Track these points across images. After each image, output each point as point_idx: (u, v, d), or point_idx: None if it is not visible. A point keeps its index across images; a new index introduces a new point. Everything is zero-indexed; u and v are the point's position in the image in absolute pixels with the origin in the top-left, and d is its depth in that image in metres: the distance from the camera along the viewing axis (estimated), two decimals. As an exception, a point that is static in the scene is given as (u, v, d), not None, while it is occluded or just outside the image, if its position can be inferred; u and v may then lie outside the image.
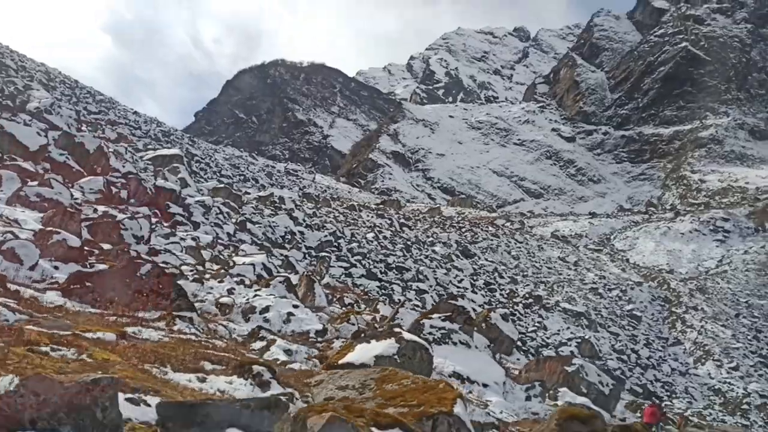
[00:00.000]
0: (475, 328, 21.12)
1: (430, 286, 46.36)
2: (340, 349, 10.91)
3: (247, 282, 19.49)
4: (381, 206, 75.48)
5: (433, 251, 56.36)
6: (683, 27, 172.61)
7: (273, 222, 38.91)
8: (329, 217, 51.67)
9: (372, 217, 59.85)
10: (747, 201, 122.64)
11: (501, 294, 53.28)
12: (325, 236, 43.87)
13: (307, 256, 39.20)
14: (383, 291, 41.13)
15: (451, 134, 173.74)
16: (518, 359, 30.10)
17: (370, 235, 50.16)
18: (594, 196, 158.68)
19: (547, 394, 18.51)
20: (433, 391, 6.35)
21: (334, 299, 25.00)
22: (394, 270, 45.36)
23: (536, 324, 50.07)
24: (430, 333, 16.92)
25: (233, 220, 34.01)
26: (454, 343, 17.07)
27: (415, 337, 11.39)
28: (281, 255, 32.15)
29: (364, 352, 9.69)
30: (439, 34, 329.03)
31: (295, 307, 17.31)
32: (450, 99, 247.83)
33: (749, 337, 59.55)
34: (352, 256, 43.41)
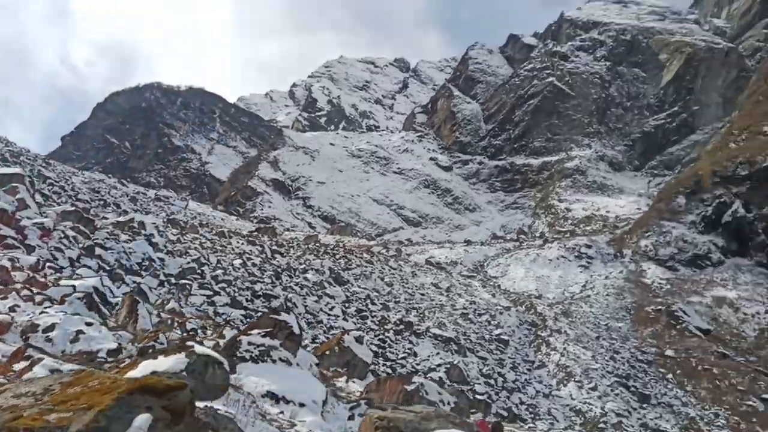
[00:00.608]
0: (311, 350, 20.69)
1: (299, 314, 45.62)
2: (122, 368, 9.67)
3: (38, 299, 17.71)
4: (254, 233, 73.97)
5: (305, 278, 55.72)
6: (550, 62, 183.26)
7: (129, 248, 36.96)
8: (194, 243, 49.92)
9: (243, 244, 58.51)
10: (608, 228, 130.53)
11: (372, 321, 53.34)
12: (188, 263, 42.25)
13: (165, 284, 37.54)
14: (249, 320, 40.01)
15: (332, 162, 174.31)
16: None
17: (237, 262, 48.83)
18: (470, 225, 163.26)
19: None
20: (111, 392, 5.79)
21: (175, 325, 23.57)
22: (261, 298, 44.31)
23: (407, 350, 50.39)
24: (247, 350, 15.89)
25: (80, 245, 31.92)
26: (274, 361, 16.14)
27: (209, 351, 10.27)
28: (133, 282, 30.53)
29: (146, 369, 8.60)
30: (322, 62, 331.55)
31: (89, 324, 15.54)
32: (332, 127, 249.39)
33: (606, 358, 62.83)
34: (216, 284, 42.03)
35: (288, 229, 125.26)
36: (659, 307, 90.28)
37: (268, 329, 17.29)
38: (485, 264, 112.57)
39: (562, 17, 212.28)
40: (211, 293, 40.67)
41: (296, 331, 18.05)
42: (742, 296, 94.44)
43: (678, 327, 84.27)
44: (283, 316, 18.09)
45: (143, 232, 43.82)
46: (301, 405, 14.19)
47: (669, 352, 75.87)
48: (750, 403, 62.82)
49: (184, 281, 39.30)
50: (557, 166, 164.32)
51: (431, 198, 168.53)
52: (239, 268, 47.49)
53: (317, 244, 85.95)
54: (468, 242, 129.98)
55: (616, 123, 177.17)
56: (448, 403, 22.02)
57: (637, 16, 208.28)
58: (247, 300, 42.98)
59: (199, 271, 43.27)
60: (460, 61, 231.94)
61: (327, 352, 25.54)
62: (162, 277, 38.10)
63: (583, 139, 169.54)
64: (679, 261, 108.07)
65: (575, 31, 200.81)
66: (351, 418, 16.27)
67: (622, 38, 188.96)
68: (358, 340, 28.32)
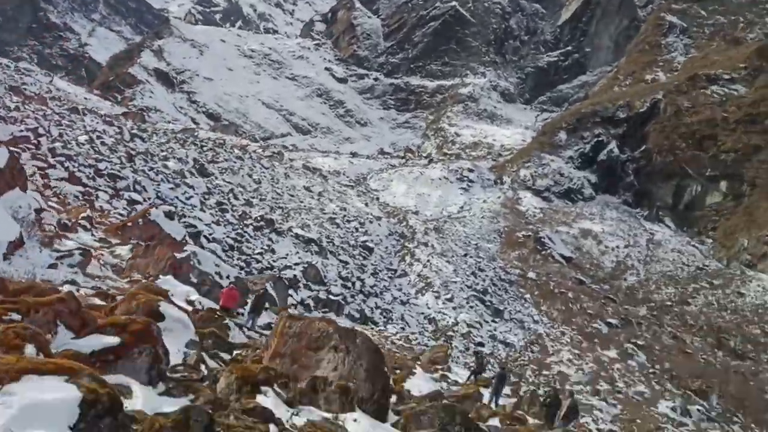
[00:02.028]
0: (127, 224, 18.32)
1: (148, 198, 42.42)
2: None
3: None
4: (116, 115, 68.37)
5: (165, 165, 52.05)
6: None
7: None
8: (38, 114, 44.96)
9: (98, 123, 53.66)
10: (492, 156, 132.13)
11: (233, 215, 50.85)
12: (21, 131, 37.79)
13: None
14: (86, 197, 36.51)
15: (222, 59, 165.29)
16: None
17: (82, 138, 44.46)
18: (360, 139, 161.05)
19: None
20: None
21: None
22: (105, 177, 40.65)
23: (264, 247, 48.49)
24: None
25: None
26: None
27: None
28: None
29: None
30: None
31: None
32: (228, 25, 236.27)
33: (468, 273, 63.76)
34: (53, 157, 37.97)
35: (169, 122, 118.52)
36: (529, 233, 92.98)
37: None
38: (368, 177, 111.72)
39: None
40: (46, 165, 36.69)
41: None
42: (606, 230, 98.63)
43: (543, 253, 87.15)
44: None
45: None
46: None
47: (531, 275, 78.42)
48: (596, 325, 66.08)
49: (12, 149, 34.99)
50: (451, 90, 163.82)
51: (323, 108, 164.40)
52: (84, 144, 43.23)
53: (193, 138, 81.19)
54: (354, 154, 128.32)
55: (512, 55, 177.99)
56: (227, 277, 20.32)
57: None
58: (88, 177, 39.24)
59: (34, 141, 38.91)
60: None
61: (129, 224, 23.05)
62: (-19, 139, 33.72)
63: (479, 68, 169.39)
64: (553, 192, 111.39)
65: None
66: (54, 266, 14.88)
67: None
68: (169, 215, 25.91)
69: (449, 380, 23.41)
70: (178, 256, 19.21)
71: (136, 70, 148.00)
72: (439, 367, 26.23)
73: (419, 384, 16.49)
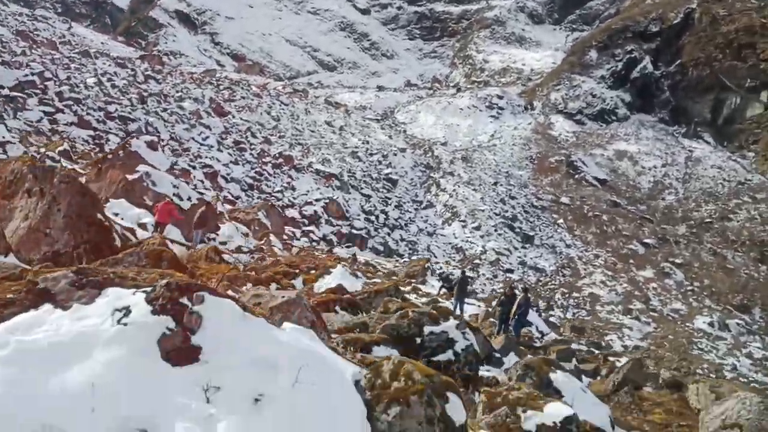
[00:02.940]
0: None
1: (162, 139, 41.81)
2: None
3: None
4: (132, 59, 67.37)
5: (180, 106, 51.25)
6: None
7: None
8: (45, 58, 44.22)
9: (109, 66, 52.82)
10: (521, 81, 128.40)
11: (251, 154, 50.10)
12: (26, 75, 37.13)
13: (-9, 94, 32.78)
14: (96, 141, 36.04)
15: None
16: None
17: (90, 80, 43.70)
18: (387, 72, 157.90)
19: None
20: None
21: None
22: (116, 120, 40.04)
23: (285, 184, 47.83)
24: None
25: None
26: None
27: None
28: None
29: None
30: None
31: None
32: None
33: (496, 201, 62.40)
34: (61, 101, 37.37)
35: (194, 66, 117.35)
36: (561, 158, 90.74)
37: None
38: (395, 110, 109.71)
39: None
40: (53, 110, 36.14)
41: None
42: (642, 150, 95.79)
43: (576, 177, 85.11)
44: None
45: (-29, 36, 37.98)
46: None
47: (564, 199, 76.72)
48: (631, 246, 64.50)
49: (15, 94, 34.51)
50: (477, 15, 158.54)
51: (347, 42, 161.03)
52: (93, 87, 42.50)
53: (215, 79, 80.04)
54: (380, 88, 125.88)
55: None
56: (189, 199, 19.42)
57: None
58: (98, 121, 38.67)
59: (41, 85, 38.29)
60: None
61: (110, 156, 22.28)
62: (-16, 86, 33.21)
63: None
64: (586, 115, 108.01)
65: None
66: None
67: None
68: (151, 145, 25.09)
69: (420, 292, 22.22)
70: (130, 177, 18.37)
71: (157, 13, 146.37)
72: (413, 280, 25.06)
73: (330, 283, 14.63)
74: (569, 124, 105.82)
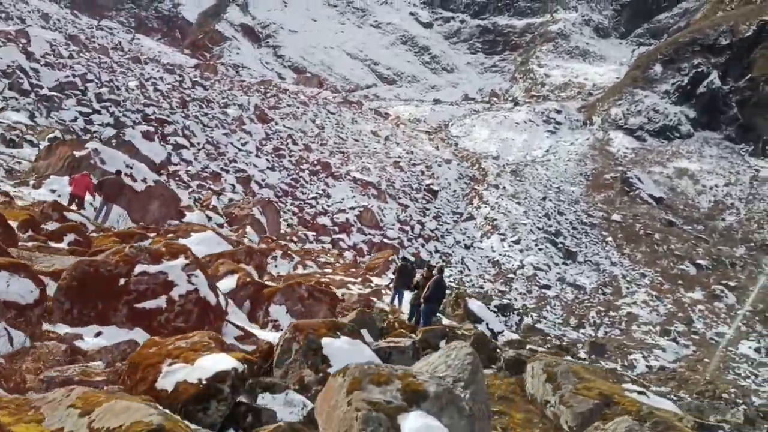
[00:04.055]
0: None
1: (198, 143, 42.65)
2: None
3: None
4: (189, 67, 69.10)
5: (225, 113, 52.22)
6: None
7: (-6, 54, 33.10)
8: (92, 63, 45.75)
9: (158, 71, 54.30)
10: (582, 96, 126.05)
11: (289, 161, 50.54)
12: (67, 77, 38.46)
13: (31, 94, 34.05)
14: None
15: (305, 10, 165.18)
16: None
17: (132, 84, 44.92)
18: (447, 86, 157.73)
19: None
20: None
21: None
22: (153, 122, 41.01)
23: (319, 191, 48.01)
24: None
25: None
26: None
27: None
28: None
29: None
30: None
31: None
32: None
33: (540, 215, 60.97)
34: (99, 102, 38.53)
35: (254, 78, 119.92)
36: (617, 174, 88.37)
37: None
38: (450, 123, 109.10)
39: None
40: (90, 111, 37.29)
41: None
42: (704, 169, 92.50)
43: (630, 194, 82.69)
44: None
45: (21, 41, 39.67)
46: None
47: (615, 217, 74.55)
48: (683, 267, 61.99)
49: (52, 94, 35.75)
50: (540, 28, 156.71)
51: (408, 56, 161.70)
52: (133, 90, 43.68)
53: (270, 88, 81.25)
54: (436, 101, 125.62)
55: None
56: (144, 180, 19.23)
57: None
58: (134, 122, 39.66)
59: (81, 87, 39.60)
60: None
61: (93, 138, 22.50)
62: (26, 87, 34.52)
63: (570, 1, 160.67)
64: (647, 131, 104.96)
65: None
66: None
67: None
68: (147, 135, 25.36)
69: (371, 284, 21.08)
70: (78, 154, 18.34)
71: (222, 26, 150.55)
72: (371, 273, 23.89)
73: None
74: (629, 140, 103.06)
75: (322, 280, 17.17)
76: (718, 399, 26.95)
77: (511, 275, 46.49)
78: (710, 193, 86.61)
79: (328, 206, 46.48)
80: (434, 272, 14.61)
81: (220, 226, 22.64)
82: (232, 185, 40.05)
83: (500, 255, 51.13)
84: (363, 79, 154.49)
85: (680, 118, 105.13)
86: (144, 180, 18.69)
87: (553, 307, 42.77)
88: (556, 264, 52.87)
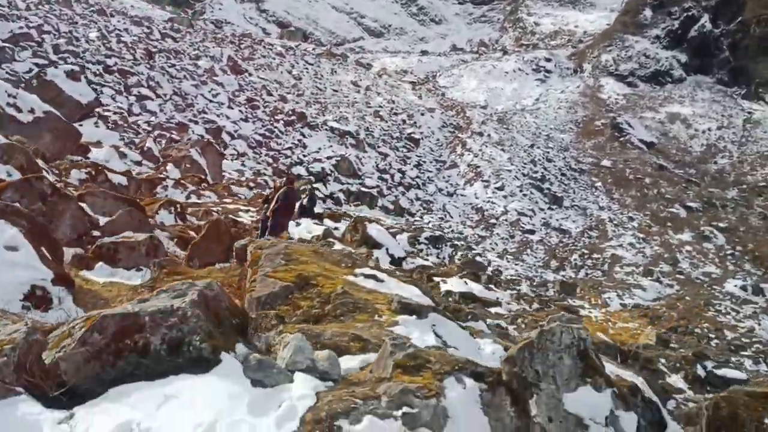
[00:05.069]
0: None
1: (164, 94, 41.02)
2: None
3: None
4: (167, 22, 66.52)
5: (195, 64, 50.41)
6: None
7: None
8: (50, 15, 43.74)
9: (125, 23, 52.22)
10: (572, 43, 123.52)
11: (264, 111, 48.94)
12: (21, 28, 36.63)
13: (-22, 45, 32.36)
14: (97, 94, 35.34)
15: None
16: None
17: (93, 35, 43.00)
18: (435, 37, 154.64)
19: None
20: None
21: None
22: (116, 73, 39.33)
23: (295, 142, 46.57)
24: None
25: None
26: None
27: None
28: None
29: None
30: None
31: None
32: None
33: (525, 161, 59.63)
34: (56, 54, 36.78)
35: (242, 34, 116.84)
36: (607, 121, 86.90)
37: None
38: (437, 74, 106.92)
39: None
40: (47, 62, 35.56)
41: None
42: (697, 113, 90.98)
43: (621, 140, 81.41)
44: None
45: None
46: None
47: (605, 162, 73.35)
48: (672, 210, 60.94)
49: (5, 45, 34.02)
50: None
51: (395, 7, 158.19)
52: (94, 41, 41.80)
53: (244, 39, 78.67)
54: (424, 52, 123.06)
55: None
56: (31, 110, 17.80)
57: None
58: (95, 74, 37.99)
59: (38, 38, 37.80)
60: None
61: (23, 86, 21.16)
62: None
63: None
64: (638, 76, 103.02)
65: None
66: None
67: None
68: (71, 75, 23.98)
69: (250, 212, 19.64)
70: None
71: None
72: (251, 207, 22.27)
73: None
74: (620, 86, 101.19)
75: (213, 209, 16.11)
76: (689, 335, 26.10)
77: (494, 221, 45.37)
78: (703, 137, 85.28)
79: (304, 156, 45.12)
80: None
81: (137, 163, 21.42)
82: (201, 136, 38.56)
83: (483, 201, 49.98)
84: (350, 33, 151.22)
85: (672, 63, 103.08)
86: (32, 110, 17.20)
87: (535, 251, 41.74)
88: (542, 209, 51.79)
